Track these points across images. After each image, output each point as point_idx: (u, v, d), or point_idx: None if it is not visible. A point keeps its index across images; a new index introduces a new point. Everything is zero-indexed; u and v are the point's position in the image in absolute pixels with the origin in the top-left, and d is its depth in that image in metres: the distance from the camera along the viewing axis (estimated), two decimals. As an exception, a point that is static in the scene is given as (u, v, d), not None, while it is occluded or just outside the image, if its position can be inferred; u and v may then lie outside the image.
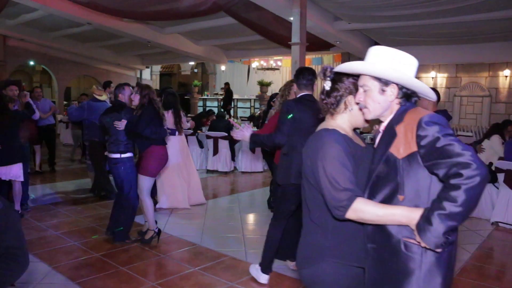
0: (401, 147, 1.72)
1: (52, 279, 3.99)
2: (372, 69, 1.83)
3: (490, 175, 6.16)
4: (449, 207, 1.55)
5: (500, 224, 6.05)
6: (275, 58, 16.91)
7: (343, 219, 1.80)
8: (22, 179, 5.63)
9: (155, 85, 20.29)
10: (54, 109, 9.02)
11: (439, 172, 1.63)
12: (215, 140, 9.41)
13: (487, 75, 12.94)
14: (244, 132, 3.72)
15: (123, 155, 4.77)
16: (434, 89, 4.61)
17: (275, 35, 11.73)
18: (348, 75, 1.99)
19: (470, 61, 12.63)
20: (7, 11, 11.25)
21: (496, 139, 6.84)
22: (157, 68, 20.99)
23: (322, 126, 2.03)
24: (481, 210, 6.39)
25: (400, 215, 1.68)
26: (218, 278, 4.06)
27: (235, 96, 16.62)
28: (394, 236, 1.74)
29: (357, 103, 1.93)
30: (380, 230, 1.78)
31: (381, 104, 1.85)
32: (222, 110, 15.00)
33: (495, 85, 12.83)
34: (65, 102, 18.35)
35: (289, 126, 3.74)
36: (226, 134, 9.01)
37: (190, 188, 6.66)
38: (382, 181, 1.78)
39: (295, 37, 9.00)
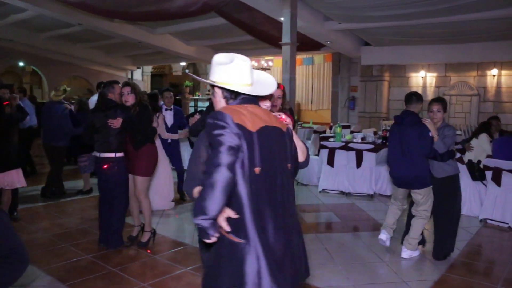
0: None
1: (42, 281, 3.99)
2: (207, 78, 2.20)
3: (479, 172, 6.28)
4: None
5: (489, 221, 6.13)
6: (266, 58, 16.94)
7: None
8: (24, 184, 5.48)
9: (147, 85, 20.23)
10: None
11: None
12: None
13: (475, 74, 13.06)
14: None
15: (117, 154, 4.65)
16: (415, 93, 4.74)
17: (266, 35, 11.75)
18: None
19: (459, 60, 12.74)
20: (-4, 12, 11.22)
21: (484, 138, 6.92)
22: (148, 69, 20.92)
23: None
24: (470, 207, 6.47)
25: None
26: (210, 277, 4.08)
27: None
28: None
29: None
30: None
31: (216, 105, 2.18)
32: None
33: (483, 84, 12.95)
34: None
35: None
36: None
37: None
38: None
39: (286, 37, 9.03)
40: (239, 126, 1.91)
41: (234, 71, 2.08)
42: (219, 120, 1.90)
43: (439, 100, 4.75)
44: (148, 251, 4.79)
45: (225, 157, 1.82)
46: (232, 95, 2.10)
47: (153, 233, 5.03)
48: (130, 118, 4.60)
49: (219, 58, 2.12)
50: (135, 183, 4.83)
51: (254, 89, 2.11)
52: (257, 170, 1.94)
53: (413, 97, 4.67)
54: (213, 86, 2.15)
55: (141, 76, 20.48)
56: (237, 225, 1.92)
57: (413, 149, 4.49)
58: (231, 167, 1.83)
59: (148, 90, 17.45)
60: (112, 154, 4.62)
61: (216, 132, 1.88)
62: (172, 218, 6.18)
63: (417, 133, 4.47)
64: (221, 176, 1.79)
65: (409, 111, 4.64)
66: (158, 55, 16.58)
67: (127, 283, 3.97)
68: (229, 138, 1.85)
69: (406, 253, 4.72)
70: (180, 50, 14.96)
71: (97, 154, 4.68)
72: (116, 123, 4.54)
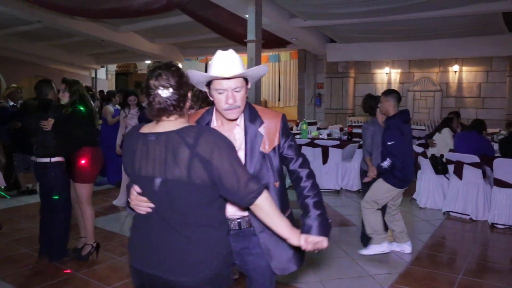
0: (267, 144, 2.13)
1: (1, 289, 3.84)
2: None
3: (442, 166, 6.41)
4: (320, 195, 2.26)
5: (451, 213, 6.27)
6: (232, 56, 16.87)
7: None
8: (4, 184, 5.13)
9: (111, 84, 19.88)
10: None
11: (291, 162, 2.24)
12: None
13: (438, 70, 13.36)
14: None
15: (53, 159, 4.22)
16: (393, 90, 4.67)
17: (231, 33, 11.70)
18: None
19: (422, 57, 13.01)
20: None
21: (446, 132, 7.07)
22: (113, 68, 20.56)
23: (179, 124, 1.87)
24: (433, 200, 6.60)
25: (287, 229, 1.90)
26: (175, 278, 4.01)
27: (193, 95, 16.48)
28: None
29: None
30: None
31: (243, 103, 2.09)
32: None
33: (445, 80, 13.26)
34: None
35: None
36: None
37: None
38: (259, 174, 2.13)
39: (251, 35, 8.99)
40: None
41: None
42: None
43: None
44: (68, 271, 4.22)
45: None
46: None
47: (96, 247, 4.49)
48: (61, 119, 4.20)
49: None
50: (74, 190, 4.42)
51: None
52: None
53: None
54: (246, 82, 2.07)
55: (105, 75, 20.10)
56: None
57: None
58: None
59: (113, 89, 17.15)
60: (46, 159, 4.22)
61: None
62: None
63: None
64: None
65: (407, 110, 4.67)
66: (122, 53, 16.30)
67: (93, 287, 3.87)
68: None
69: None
70: (145, 48, 14.75)
71: (34, 158, 4.32)
72: (48, 124, 4.16)
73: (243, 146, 2.07)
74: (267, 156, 2.06)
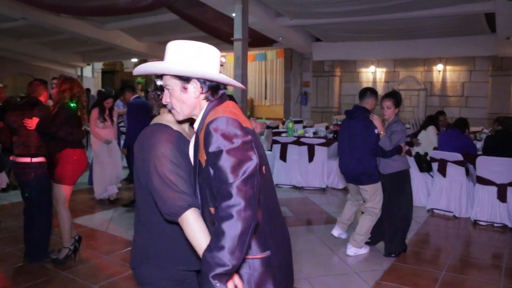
0: (203, 154, 1.58)
1: (-15, 288, 3.82)
2: (166, 67, 1.66)
3: (426, 164, 6.50)
4: (214, 246, 1.42)
5: (435, 211, 6.36)
6: (219, 54, 16.86)
7: (172, 221, 1.68)
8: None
9: (97, 82, 19.73)
10: None
11: (216, 197, 1.51)
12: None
13: (422, 69, 13.52)
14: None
15: (34, 159, 4.10)
16: (370, 88, 4.69)
17: (217, 32, 11.71)
18: None
19: (407, 56, 13.15)
20: None
21: (431, 130, 7.17)
22: (99, 66, 20.42)
23: (157, 120, 1.89)
24: (418, 198, 6.68)
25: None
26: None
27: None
28: None
29: (165, 105, 1.79)
30: None
31: (186, 103, 1.69)
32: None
33: (429, 79, 13.43)
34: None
35: None
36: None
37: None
38: (201, 192, 1.67)
39: (237, 33, 9.02)
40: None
41: (215, 61, 1.73)
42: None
43: (390, 95, 4.61)
44: None
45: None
46: (213, 91, 1.70)
47: (73, 250, 4.36)
48: (46, 119, 4.07)
49: (203, 48, 1.71)
50: (53, 190, 4.29)
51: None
52: (264, 169, 1.71)
53: (367, 92, 4.56)
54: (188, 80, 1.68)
55: (91, 73, 19.94)
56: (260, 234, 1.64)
57: (358, 145, 4.46)
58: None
59: (99, 87, 17.05)
60: (27, 159, 4.08)
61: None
62: (124, 216, 6.05)
63: (363, 129, 4.44)
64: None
65: (360, 106, 4.57)
66: (108, 51, 16.21)
67: (78, 286, 3.86)
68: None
69: (350, 250, 4.64)
70: (131, 46, 14.68)
71: (14, 158, 4.16)
72: (32, 123, 4.05)
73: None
74: (205, 169, 1.59)
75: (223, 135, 1.49)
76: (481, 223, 5.89)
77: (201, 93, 1.68)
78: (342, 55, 13.74)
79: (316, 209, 6.52)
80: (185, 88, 1.67)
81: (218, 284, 1.42)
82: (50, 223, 4.36)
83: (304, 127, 10.52)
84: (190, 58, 1.66)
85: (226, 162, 1.45)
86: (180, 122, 1.84)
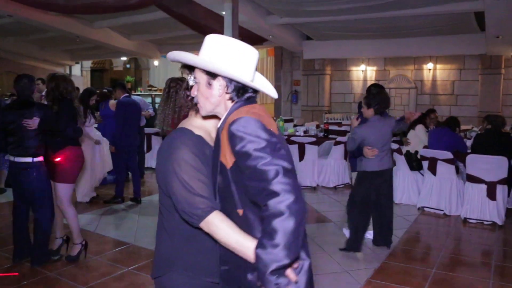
0: (227, 155, 1.53)
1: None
2: (194, 59, 1.63)
3: (416, 163, 6.51)
4: (268, 244, 1.36)
5: (426, 209, 6.38)
6: (209, 53, 16.78)
7: (196, 227, 1.62)
8: None
9: (86, 81, 19.54)
10: None
11: (254, 198, 1.45)
12: (148, 137, 9.23)
13: (412, 68, 13.55)
14: None
15: (35, 159, 4.05)
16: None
17: (207, 30, 11.62)
18: None
19: (397, 54, 13.17)
20: None
21: (420, 128, 7.19)
22: (88, 64, 20.21)
23: (182, 124, 1.84)
24: (408, 196, 6.70)
25: (248, 249, 1.47)
26: (152, 277, 3.99)
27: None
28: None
29: (192, 98, 1.75)
30: (232, 252, 1.56)
31: (209, 100, 1.65)
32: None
33: (420, 77, 13.47)
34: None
35: None
36: (160, 130, 8.80)
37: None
38: (223, 194, 1.61)
39: (227, 32, 8.96)
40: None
41: (249, 62, 1.66)
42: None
43: (364, 97, 4.75)
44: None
45: None
46: (239, 92, 1.64)
47: (84, 245, 4.44)
48: (48, 118, 4.08)
49: (241, 48, 1.65)
50: (55, 190, 4.29)
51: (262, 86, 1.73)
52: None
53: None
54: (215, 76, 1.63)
55: (80, 72, 19.76)
56: None
57: None
58: None
59: (89, 86, 16.87)
60: (28, 159, 4.03)
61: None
62: (113, 217, 6.00)
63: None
64: None
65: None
66: (97, 49, 16.03)
67: (66, 287, 3.82)
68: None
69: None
70: (121, 44, 14.55)
71: (12, 158, 4.09)
72: (33, 123, 4.00)
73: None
74: (228, 171, 1.55)
75: (248, 134, 1.45)
76: (471, 221, 5.91)
77: (226, 92, 1.63)
78: (332, 53, 13.73)
79: (307, 208, 6.50)
80: (209, 84, 1.63)
81: (279, 279, 1.39)
82: (51, 224, 4.31)
83: (295, 125, 10.51)
84: (222, 55, 1.61)
85: (259, 160, 1.40)
86: (204, 118, 1.79)
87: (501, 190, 5.78)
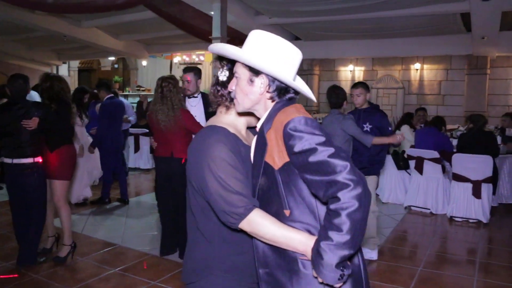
0: (276, 156, 1.51)
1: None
2: (239, 54, 1.59)
3: (403, 162, 6.57)
4: (335, 237, 1.35)
5: (413, 208, 6.44)
6: (197, 52, 16.77)
7: (234, 229, 1.59)
8: None
9: (74, 81, 19.40)
10: None
11: (317, 193, 1.44)
12: (136, 137, 9.20)
13: (400, 68, 13.66)
14: None
15: (36, 159, 4.07)
16: (362, 82, 4.72)
17: (196, 30, 11.62)
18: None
19: (385, 55, 13.25)
20: None
21: (406, 129, 7.25)
22: (76, 64, 20.06)
23: (211, 122, 1.78)
24: (395, 195, 6.76)
25: (298, 242, 1.47)
26: (140, 278, 3.99)
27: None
28: (289, 255, 1.53)
29: (229, 92, 1.71)
30: (272, 252, 1.57)
31: (249, 96, 1.61)
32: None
33: (407, 77, 13.58)
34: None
35: None
36: (147, 130, 8.79)
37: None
38: (266, 195, 1.58)
39: (216, 32, 8.97)
40: None
41: (294, 63, 1.64)
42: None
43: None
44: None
45: None
46: (281, 92, 1.61)
47: (73, 247, 4.44)
48: (49, 117, 4.09)
49: (287, 48, 1.62)
50: (52, 188, 4.32)
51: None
52: None
53: None
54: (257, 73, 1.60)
55: (67, 72, 19.61)
56: None
57: None
58: None
59: (76, 86, 16.74)
60: (29, 160, 4.03)
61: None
62: (99, 218, 5.98)
63: None
64: None
65: None
66: (85, 49, 15.92)
67: (52, 288, 3.80)
68: None
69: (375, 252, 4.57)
70: (109, 44, 14.46)
71: (9, 160, 4.04)
72: (32, 123, 3.98)
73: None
74: (277, 172, 1.53)
75: (308, 132, 1.44)
76: (457, 219, 5.99)
77: (267, 91, 1.60)
78: (321, 53, 13.78)
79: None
80: (251, 81, 1.59)
81: (343, 271, 1.39)
82: (44, 223, 4.33)
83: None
84: (268, 53, 1.58)
85: (326, 152, 1.40)
86: (239, 115, 1.76)
87: (486, 189, 5.86)
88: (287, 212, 1.52)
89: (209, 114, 4.57)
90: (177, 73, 17.90)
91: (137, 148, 9.24)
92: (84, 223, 5.62)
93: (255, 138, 1.66)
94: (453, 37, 11.64)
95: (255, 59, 1.55)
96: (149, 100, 4.98)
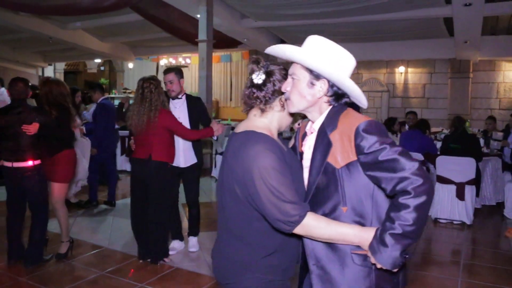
0: (339, 156, 1.60)
1: None
2: (306, 57, 1.66)
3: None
4: (402, 227, 1.48)
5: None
6: (184, 55, 16.75)
7: (282, 232, 1.65)
8: None
9: (59, 83, 19.19)
10: None
11: (386, 187, 1.55)
12: (123, 140, 9.16)
13: (385, 71, 13.81)
14: None
15: (36, 162, 4.12)
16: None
17: (182, 33, 11.62)
18: (280, 69, 1.85)
19: (370, 58, 13.38)
20: None
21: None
22: (61, 66, 19.90)
23: (246, 126, 1.77)
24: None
25: (352, 235, 1.57)
26: (127, 281, 3.98)
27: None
28: (341, 250, 1.64)
29: (283, 93, 1.75)
30: (323, 247, 1.67)
31: (306, 98, 1.68)
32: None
33: (392, 81, 13.73)
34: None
35: None
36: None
37: None
38: (322, 193, 1.66)
39: (202, 34, 8.99)
40: None
41: (350, 70, 1.75)
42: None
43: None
44: None
45: None
46: (338, 97, 1.71)
47: (71, 242, 4.60)
48: (50, 124, 4.12)
49: (346, 55, 1.74)
50: (51, 189, 4.40)
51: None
52: None
53: None
54: (318, 77, 1.69)
55: (53, 74, 19.43)
56: None
57: None
58: None
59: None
60: (29, 163, 4.08)
61: None
62: (86, 220, 5.95)
63: None
64: None
65: None
66: (71, 51, 15.82)
67: (38, 292, 3.78)
68: None
69: None
70: (95, 46, 14.39)
71: (9, 164, 4.07)
72: (32, 128, 3.97)
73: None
74: (338, 171, 1.61)
75: (379, 134, 1.56)
76: (441, 221, 6.07)
77: (325, 95, 1.69)
78: (307, 57, 13.86)
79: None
80: (312, 84, 1.68)
81: (405, 258, 1.53)
82: (47, 221, 4.42)
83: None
84: (329, 58, 1.67)
85: (394, 153, 1.53)
86: (290, 115, 1.82)
87: (469, 191, 5.95)
88: (344, 209, 1.63)
89: (193, 116, 4.55)
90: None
91: (124, 151, 9.21)
92: (71, 226, 5.56)
93: (309, 139, 1.77)
94: (436, 41, 11.82)
95: (321, 63, 1.64)
96: (130, 102, 4.99)
